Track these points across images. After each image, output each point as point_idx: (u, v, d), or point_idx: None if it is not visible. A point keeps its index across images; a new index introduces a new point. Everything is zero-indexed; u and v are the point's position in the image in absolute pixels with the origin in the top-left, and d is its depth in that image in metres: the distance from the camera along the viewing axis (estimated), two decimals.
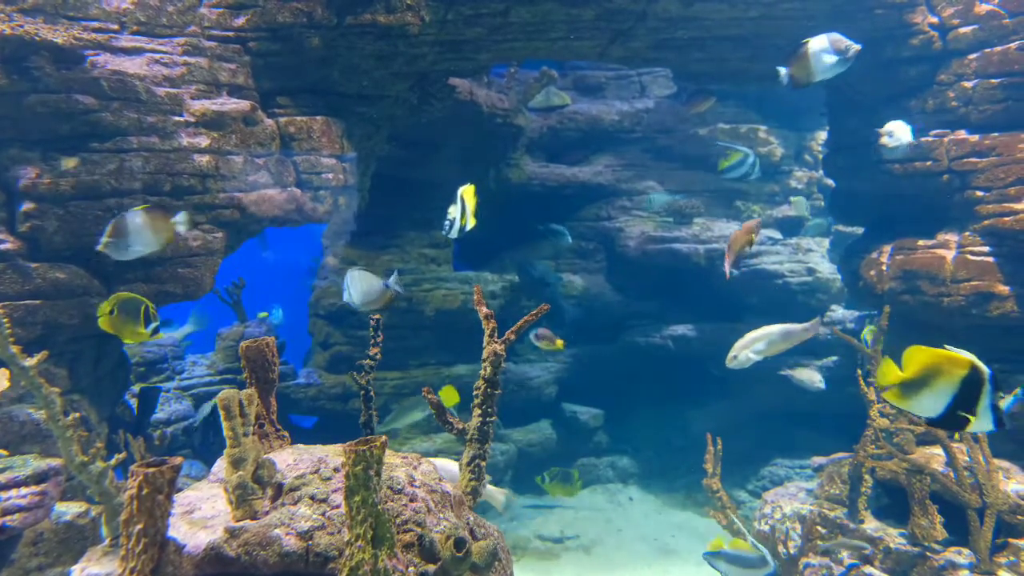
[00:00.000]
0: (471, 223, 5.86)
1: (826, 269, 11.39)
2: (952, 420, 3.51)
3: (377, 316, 4.46)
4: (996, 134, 7.13)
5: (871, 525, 6.53)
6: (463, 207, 5.72)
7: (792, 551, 6.51)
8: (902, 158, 7.73)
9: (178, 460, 2.68)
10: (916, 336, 8.07)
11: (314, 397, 10.72)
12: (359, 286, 6.47)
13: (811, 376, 8.39)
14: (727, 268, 6.69)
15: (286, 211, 7.21)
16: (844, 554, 6.44)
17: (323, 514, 3.05)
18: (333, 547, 2.93)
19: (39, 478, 5.13)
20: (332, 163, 7.53)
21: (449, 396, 8.74)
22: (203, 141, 6.61)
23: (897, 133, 7.32)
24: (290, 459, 3.43)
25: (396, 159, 10.49)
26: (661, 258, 11.92)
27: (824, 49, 6.14)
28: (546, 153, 13.00)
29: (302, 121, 7.37)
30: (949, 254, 7.40)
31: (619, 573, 9.02)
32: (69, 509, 5.43)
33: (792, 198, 12.65)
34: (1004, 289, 6.97)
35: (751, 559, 5.78)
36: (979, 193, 7.19)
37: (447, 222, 5.83)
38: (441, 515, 3.31)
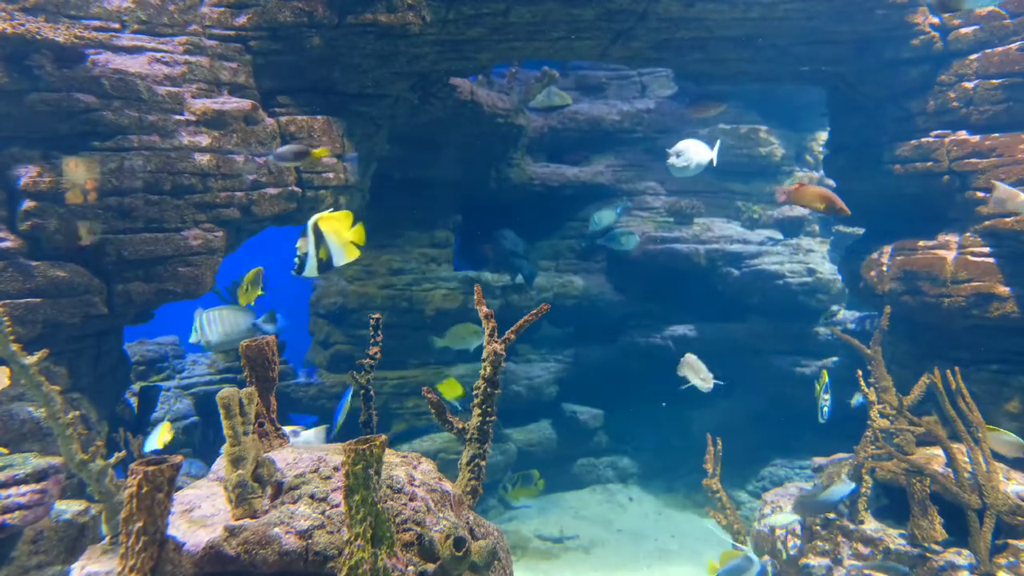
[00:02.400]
0: (349, 255, 4.99)
1: (827, 269, 11.39)
2: None
3: (377, 315, 4.46)
4: (997, 135, 7.13)
5: (871, 526, 6.53)
6: (319, 240, 4.88)
7: (792, 552, 6.51)
8: (693, 176, 7.70)
9: (178, 458, 2.68)
10: (917, 337, 8.10)
11: (314, 396, 10.73)
12: (218, 327, 6.10)
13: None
14: (781, 193, 6.24)
15: (287, 210, 7.22)
16: (844, 553, 6.43)
17: (323, 513, 3.05)
18: (332, 546, 2.93)
19: (39, 476, 5.13)
20: (333, 162, 7.53)
21: (452, 388, 8.74)
22: (204, 140, 6.61)
23: (688, 153, 7.26)
24: (290, 458, 3.43)
25: (397, 159, 10.49)
26: (662, 258, 11.93)
27: None
28: (547, 153, 13.00)
29: (303, 120, 7.37)
30: (950, 255, 7.40)
31: (619, 573, 9.03)
32: (69, 507, 5.43)
33: (798, 172, 12.66)
34: (1004, 290, 6.96)
35: (739, 566, 5.85)
36: (980, 194, 7.19)
37: (296, 260, 5.04)
38: (441, 514, 3.32)
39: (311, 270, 4.94)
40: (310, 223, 4.86)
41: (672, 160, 7.32)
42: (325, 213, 4.93)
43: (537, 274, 12.13)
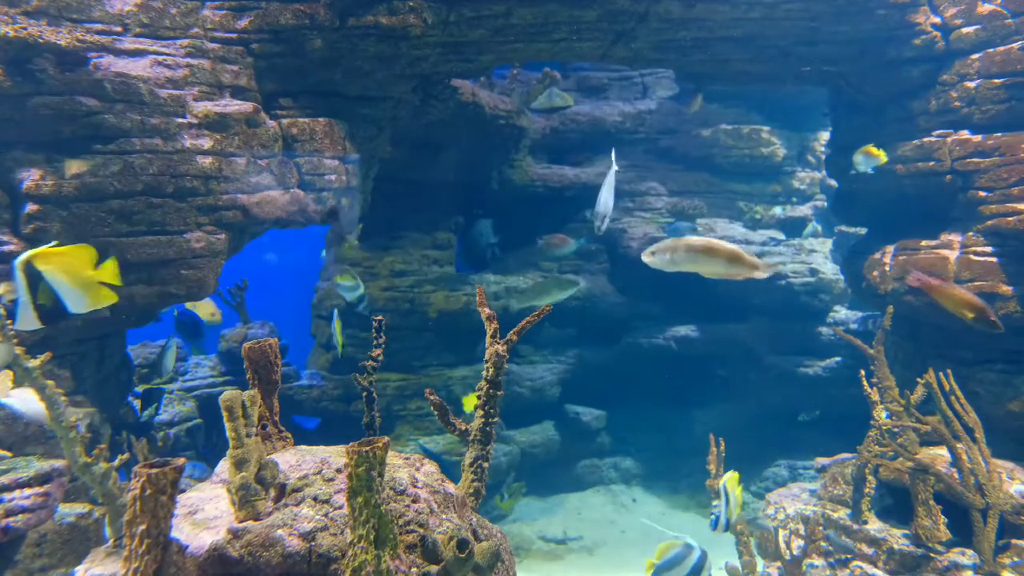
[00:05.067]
0: (95, 299, 3.95)
1: (829, 270, 11.38)
2: None
3: (380, 318, 4.46)
4: (999, 134, 7.12)
5: (874, 526, 6.52)
6: (35, 282, 3.80)
7: (796, 553, 6.50)
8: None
9: (181, 461, 2.68)
10: (920, 336, 8.09)
11: (317, 398, 10.74)
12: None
13: None
14: (913, 279, 5.70)
15: (289, 213, 7.22)
16: (856, 548, 6.42)
17: (326, 515, 3.05)
18: (336, 548, 2.93)
19: (42, 479, 5.14)
20: (335, 165, 7.54)
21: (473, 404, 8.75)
22: (206, 143, 6.62)
23: (609, 204, 7.30)
24: (293, 460, 3.43)
25: (399, 160, 10.50)
26: None
27: None
28: (548, 154, 13.00)
29: (305, 123, 7.38)
30: (952, 254, 7.39)
31: (622, 574, 9.02)
32: (72, 510, 5.44)
33: (800, 173, 12.62)
34: (1007, 289, 6.95)
35: (680, 554, 5.79)
36: (982, 193, 7.18)
37: (1, 309, 3.86)
38: (444, 516, 3.31)
39: (28, 321, 3.83)
40: (19, 261, 3.68)
41: (598, 224, 7.42)
42: (46, 248, 3.85)
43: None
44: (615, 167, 7.40)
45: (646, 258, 5.05)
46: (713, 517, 6.10)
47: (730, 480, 6.18)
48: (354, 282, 9.98)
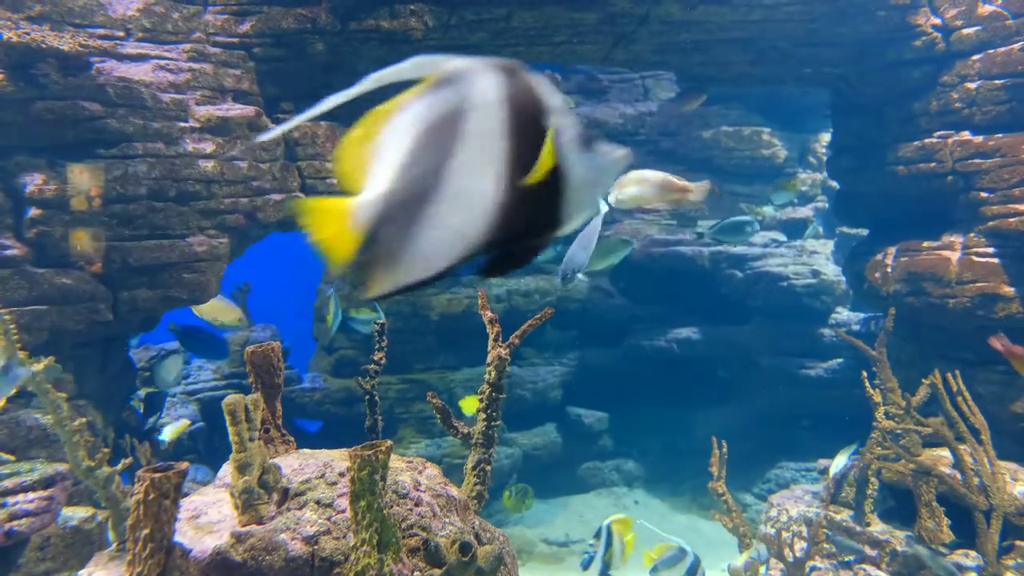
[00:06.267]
0: None
1: (831, 271, 11.37)
2: None
3: (382, 321, 4.47)
4: (1000, 135, 7.12)
5: (877, 528, 6.51)
6: None
7: (799, 554, 6.49)
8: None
9: (184, 465, 2.69)
10: (922, 338, 8.09)
11: (319, 401, 10.74)
12: None
13: None
14: (997, 341, 5.63)
15: (291, 216, 7.24)
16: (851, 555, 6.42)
17: (329, 519, 3.06)
18: (339, 552, 2.94)
19: (46, 483, 5.15)
20: None
21: (474, 404, 8.75)
22: (208, 147, 6.64)
23: (580, 257, 6.20)
24: (295, 464, 3.44)
25: None
26: (665, 261, 11.92)
27: None
28: None
29: (307, 126, 7.40)
30: (954, 255, 7.38)
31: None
32: (76, 514, 5.45)
33: (801, 174, 12.54)
34: (1009, 290, 6.95)
35: (676, 556, 5.85)
36: (984, 194, 7.18)
37: None
38: (446, 519, 3.32)
39: None
40: None
41: (561, 285, 7.21)
42: None
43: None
44: (602, 212, 6.40)
45: (610, 198, 5.17)
46: (586, 556, 5.68)
47: (618, 523, 5.73)
48: (374, 315, 9.49)
